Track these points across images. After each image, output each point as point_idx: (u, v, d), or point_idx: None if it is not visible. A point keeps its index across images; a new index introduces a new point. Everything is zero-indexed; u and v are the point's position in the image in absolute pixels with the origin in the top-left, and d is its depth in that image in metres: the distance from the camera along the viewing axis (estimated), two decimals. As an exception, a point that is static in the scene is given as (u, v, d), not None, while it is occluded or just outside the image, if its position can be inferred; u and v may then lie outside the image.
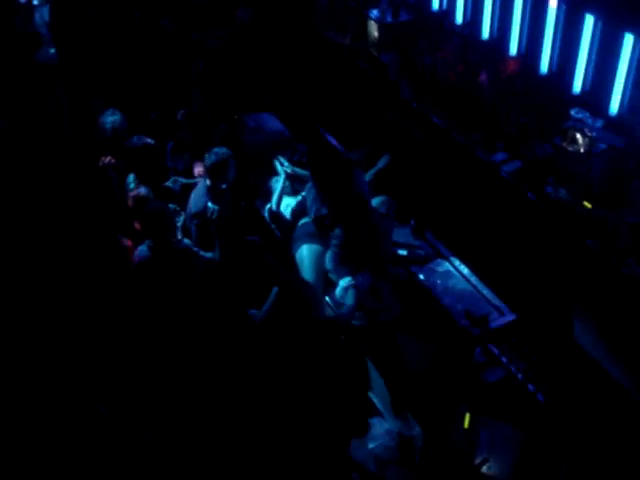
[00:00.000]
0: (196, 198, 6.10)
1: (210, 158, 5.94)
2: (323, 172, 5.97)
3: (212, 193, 5.96)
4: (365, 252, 5.57)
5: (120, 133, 6.46)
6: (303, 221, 6.19)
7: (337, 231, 5.62)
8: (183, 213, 6.25)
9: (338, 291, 5.57)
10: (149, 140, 6.43)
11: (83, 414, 5.01)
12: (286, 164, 6.59)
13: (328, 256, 5.70)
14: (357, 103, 8.16)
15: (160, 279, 5.40)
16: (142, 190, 6.00)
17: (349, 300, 5.44)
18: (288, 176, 6.53)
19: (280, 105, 8.05)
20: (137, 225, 6.01)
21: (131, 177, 6.26)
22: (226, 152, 5.97)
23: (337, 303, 5.70)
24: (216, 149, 5.99)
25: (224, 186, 5.99)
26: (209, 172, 5.97)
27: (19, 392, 5.29)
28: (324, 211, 5.84)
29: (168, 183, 6.57)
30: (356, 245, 5.56)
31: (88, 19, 8.87)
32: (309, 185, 6.14)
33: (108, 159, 6.40)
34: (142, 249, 5.53)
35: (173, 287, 5.37)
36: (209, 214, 5.88)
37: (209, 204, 5.92)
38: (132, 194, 5.99)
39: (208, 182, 5.99)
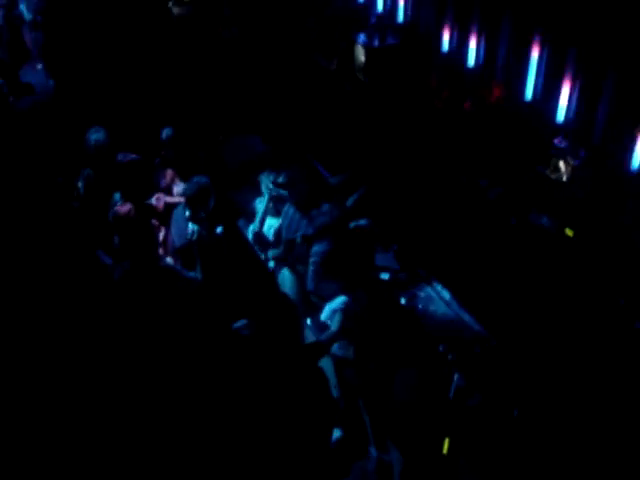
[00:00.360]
0: (178, 231, 6.05)
1: (191, 189, 5.89)
2: (303, 194, 5.99)
3: (192, 219, 5.94)
4: (345, 268, 5.54)
5: (102, 150, 6.44)
6: (285, 243, 6.18)
7: (315, 248, 5.61)
8: (164, 229, 6.21)
9: (326, 312, 5.50)
10: (134, 156, 6.42)
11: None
12: (270, 186, 6.59)
13: (308, 276, 5.67)
14: (342, 126, 8.20)
15: (141, 296, 5.34)
16: (124, 207, 5.96)
17: (334, 325, 5.38)
18: (272, 197, 6.52)
19: (264, 127, 8.07)
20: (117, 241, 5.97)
21: (117, 195, 6.23)
22: (206, 182, 5.92)
23: (320, 325, 5.64)
24: (196, 179, 5.93)
25: (203, 214, 5.95)
26: (189, 202, 5.92)
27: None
28: (299, 234, 5.84)
29: (152, 200, 6.55)
30: (336, 261, 5.53)
31: (80, 38, 8.91)
32: (285, 208, 6.14)
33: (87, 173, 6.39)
34: (123, 266, 5.48)
35: (154, 304, 5.31)
36: (189, 235, 5.84)
37: (189, 224, 5.89)
38: (114, 210, 5.95)
39: (187, 213, 5.95)
